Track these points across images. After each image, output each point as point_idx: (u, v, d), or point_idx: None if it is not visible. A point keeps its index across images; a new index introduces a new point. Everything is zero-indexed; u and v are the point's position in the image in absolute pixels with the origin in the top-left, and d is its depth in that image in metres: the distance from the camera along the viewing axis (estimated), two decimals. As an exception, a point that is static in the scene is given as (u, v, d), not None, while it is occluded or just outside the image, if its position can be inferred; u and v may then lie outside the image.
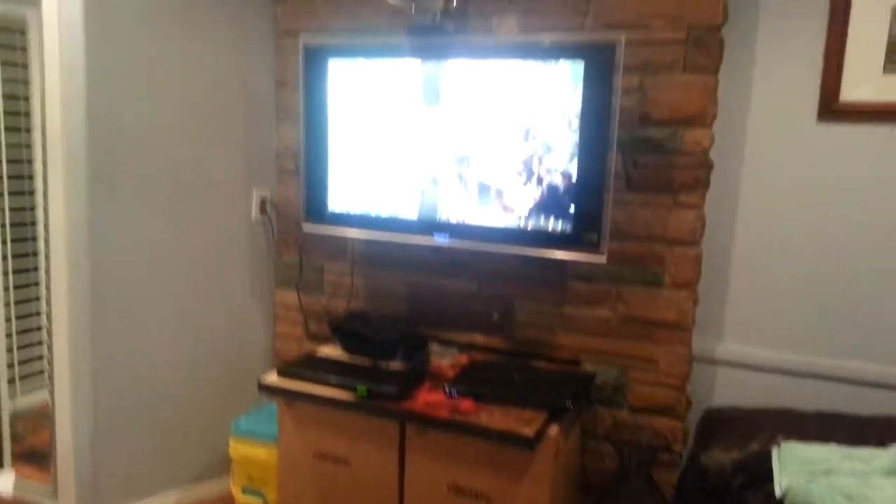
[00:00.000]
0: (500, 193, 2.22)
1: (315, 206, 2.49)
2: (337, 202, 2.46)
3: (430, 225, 2.33)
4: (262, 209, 2.78)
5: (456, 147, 2.26)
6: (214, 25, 2.52)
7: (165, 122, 2.38)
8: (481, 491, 2.05)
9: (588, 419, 2.37)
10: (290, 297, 2.84)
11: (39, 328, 3.39)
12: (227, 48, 2.58)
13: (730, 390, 2.38)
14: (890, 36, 2.10)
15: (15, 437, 2.99)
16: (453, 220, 2.29)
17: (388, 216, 2.39)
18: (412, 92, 2.29)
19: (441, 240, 2.31)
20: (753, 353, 2.34)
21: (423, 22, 2.27)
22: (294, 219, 2.75)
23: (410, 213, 2.35)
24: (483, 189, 2.24)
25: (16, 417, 3.09)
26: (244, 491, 2.56)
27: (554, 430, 1.99)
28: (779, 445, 1.95)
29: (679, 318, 2.23)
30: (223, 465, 2.66)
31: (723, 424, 2.16)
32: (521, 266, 2.41)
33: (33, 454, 2.97)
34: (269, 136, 2.79)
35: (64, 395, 2.36)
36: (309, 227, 2.52)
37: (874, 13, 2.10)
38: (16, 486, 2.73)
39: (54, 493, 2.51)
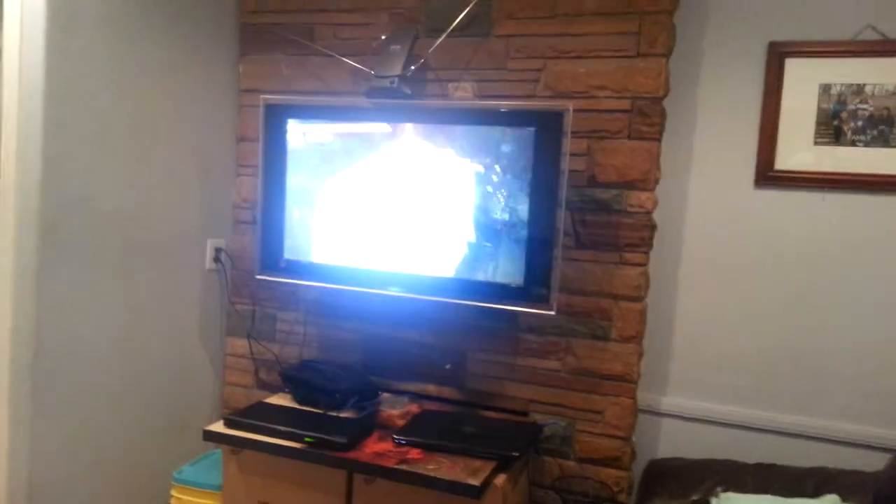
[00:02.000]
0: (452, 248, 2.28)
1: (270, 256, 2.52)
2: (292, 253, 2.50)
3: (383, 277, 2.37)
4: (217, 258, 2.79)
5: (409, 203, 2.32)
6: (178, 81, 2.56)
7: (121, 175, 2.38)
8: (428, 541, 2.04)
9: (536, 469, 2.39)
10: (241, 345, 2.83)
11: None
12: (190, 104, 2.62)
13: (674, 442, 2.43)
14: (819, 110, 2.25)
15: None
16: (406, 273, 2.34)
17: (342, 267, 2.43)
18: (368, 150, 2.37)
19: (394, 292, 2.35)
20: (697, 405, 2.41)
21: (381, 85, 2.36)
22: (248, 268, 2.77)
23: (364, 265, 2.40)
24: (436, 243, 2.30)
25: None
26: (186, 542, 2.48)
27: (501, 479, 2.01)
28: (717, 496, 2.00)
29: (625, 371, 2.30)
30: (165, 516, 2.59)
31: (665, 475, 2.21)
32: (474, 318, 2.45)
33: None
34: (226, 189, 2.83)
35: (1, 443, 2.29)
36: (264, 277, 2.54)
37: (805, 89, 2.26)
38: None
39: (-16, 546, 2.41)
